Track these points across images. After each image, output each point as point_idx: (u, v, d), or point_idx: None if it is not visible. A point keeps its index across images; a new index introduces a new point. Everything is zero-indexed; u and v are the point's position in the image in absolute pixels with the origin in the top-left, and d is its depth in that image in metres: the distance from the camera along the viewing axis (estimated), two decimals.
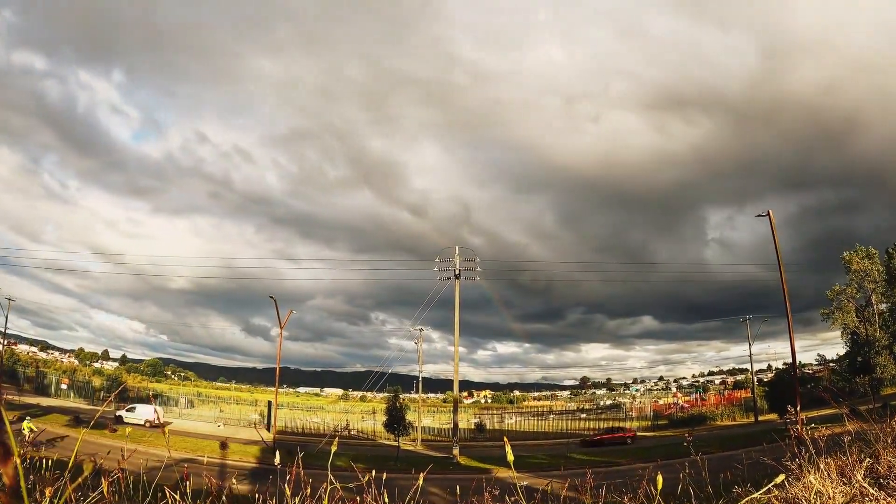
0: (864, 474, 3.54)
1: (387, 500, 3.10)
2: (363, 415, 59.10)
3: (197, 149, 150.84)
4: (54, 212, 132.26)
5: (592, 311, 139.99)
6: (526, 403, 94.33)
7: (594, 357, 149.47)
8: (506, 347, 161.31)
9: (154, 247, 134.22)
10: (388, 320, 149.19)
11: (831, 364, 57.44)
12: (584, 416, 65.16)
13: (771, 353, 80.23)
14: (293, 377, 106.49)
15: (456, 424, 33.50)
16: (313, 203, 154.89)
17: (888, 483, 3.52)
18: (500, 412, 69.79)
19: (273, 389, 38.88)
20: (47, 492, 1.76)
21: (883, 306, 43.83)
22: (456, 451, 31.29)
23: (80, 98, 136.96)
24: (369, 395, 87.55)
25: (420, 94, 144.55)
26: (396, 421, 32.16)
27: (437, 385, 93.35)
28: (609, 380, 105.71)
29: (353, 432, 44.39)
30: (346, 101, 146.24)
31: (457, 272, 34.77)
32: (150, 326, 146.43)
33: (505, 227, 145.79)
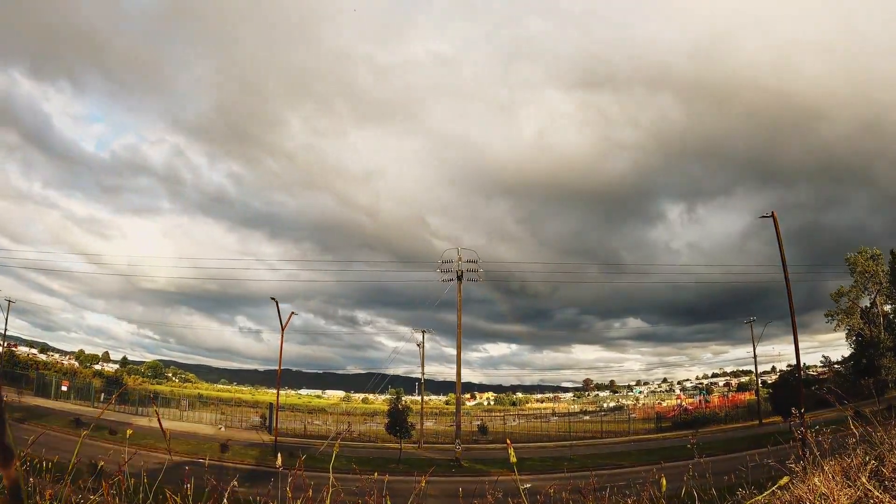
0: (868, 476, 3.51)
1: (389, 502, 3.09)
2: (365, 417, 59.05)
3: (148, 151, 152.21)
4: (25, 212, 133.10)
5: (582, 313, 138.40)
6: (529, 405, 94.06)
7: (588, 359, 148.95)
8: (497, 349, 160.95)
9: (125, 248, 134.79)
10: (375, 321, 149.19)
11: (836, 366, 57.17)
12: (587, 418, 64.97)
13: (774, 354, 80.00)
14: (295, 379, 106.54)
15: (458, 426, 33.41)
16: (270, 203, 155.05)
17: (893, 485, 3.49)
18: (502, 414, 69.65)
19: (275, 391, 38.89)
20: (47, 494, 1.76)
21: (888, 308, 43.64)
22: (458, 454, 31.21)
23: (29, 103, 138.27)
24: (371, 397, 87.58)
25: (332, 92, 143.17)
26: (399, 423, 32.10)
27: (439, 387, 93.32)
28: (612, 382, 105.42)
29: (355, 434, 44.34)
30: (276, 101, 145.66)
31: (459, 273, 34.73)
32: (142, 327, 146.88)
33: (458, 226, 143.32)
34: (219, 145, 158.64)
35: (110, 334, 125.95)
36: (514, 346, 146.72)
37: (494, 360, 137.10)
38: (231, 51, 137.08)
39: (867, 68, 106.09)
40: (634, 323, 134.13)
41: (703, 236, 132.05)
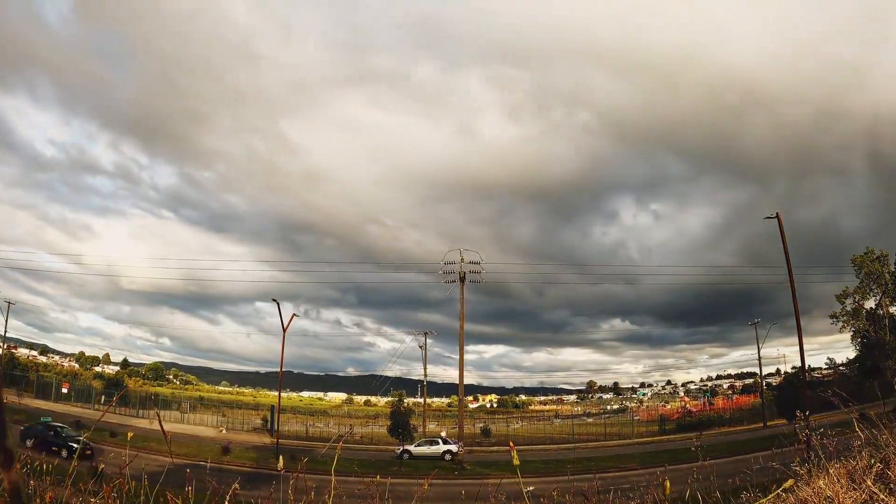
0: (873, 479, 3.48)
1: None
2: (367, 419, 58.99)
3: (103, 152, 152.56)
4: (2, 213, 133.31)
5: (573, 315, 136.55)
6: (532, 408, 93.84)
7: (581, 360, 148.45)
8: (487, 350, 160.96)
9: (98, 248, 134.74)
10: (361, 322, 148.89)
11: (841, 368, 56.84)
12: (590, 420, 64.78)
13: (778, 356, 79.74)
14: (296, 381, 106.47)
15: (461, 428, 33.33)
16: (228, 205, 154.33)
17: None
18: (505, 416, 69.51)
19: (276, 393, 38.89)
20: (48, 497, 1.76)
21: (893, 309, 43.37)
22: (461, 455, 31.13)
23: None
24: (373, 399, 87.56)
25: (243, 93, 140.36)
26: (401, 426, 32.08)
27: (440, 389, 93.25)
28: (616, 384, 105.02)
29: (357, 437, 44.30)
30: (210, 103, 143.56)
31: (462, 275, 34.71)
32: (133, 327, 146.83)
33: (418, 227, 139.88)
34: (165, 147, 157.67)
35: (104, 335, 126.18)
36: (501, 348, 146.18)
37: (486, 361, 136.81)
38: (152, 52, 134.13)
39: (809, 52, 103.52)
40: (622, 325, 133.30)
41: (675, 234, 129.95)
